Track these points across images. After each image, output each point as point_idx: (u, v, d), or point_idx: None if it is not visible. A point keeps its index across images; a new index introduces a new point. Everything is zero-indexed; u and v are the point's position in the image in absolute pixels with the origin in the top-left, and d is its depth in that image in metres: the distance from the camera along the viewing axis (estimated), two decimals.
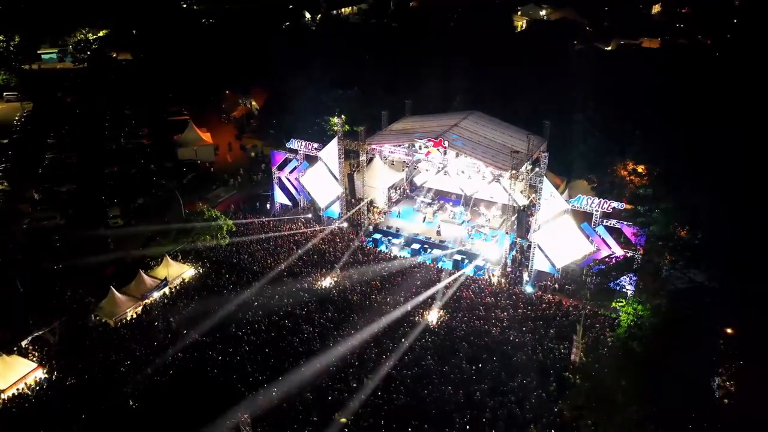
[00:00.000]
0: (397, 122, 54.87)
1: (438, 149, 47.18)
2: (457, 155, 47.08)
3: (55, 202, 58.43)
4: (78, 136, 73.51)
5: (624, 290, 41.45)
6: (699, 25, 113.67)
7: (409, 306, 40.99)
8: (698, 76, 64.06)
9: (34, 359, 37.36)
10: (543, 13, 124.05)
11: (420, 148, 48.22)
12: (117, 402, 33.84)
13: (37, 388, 35.37)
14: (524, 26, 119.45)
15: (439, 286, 42.85)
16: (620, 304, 37.61)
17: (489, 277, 45.46)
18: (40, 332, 38.74)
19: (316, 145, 52.62)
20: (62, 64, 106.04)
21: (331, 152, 51.06)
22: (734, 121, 49.60)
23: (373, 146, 50.92)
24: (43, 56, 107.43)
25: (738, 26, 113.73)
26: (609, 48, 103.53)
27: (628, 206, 43.92)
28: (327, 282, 44.21)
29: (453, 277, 44.06)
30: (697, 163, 44.47)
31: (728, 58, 76.22)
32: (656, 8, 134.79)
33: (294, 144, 53.34)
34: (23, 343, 38.36)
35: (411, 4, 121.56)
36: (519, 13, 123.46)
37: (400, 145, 49.79)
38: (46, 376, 36.22)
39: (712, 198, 39.44)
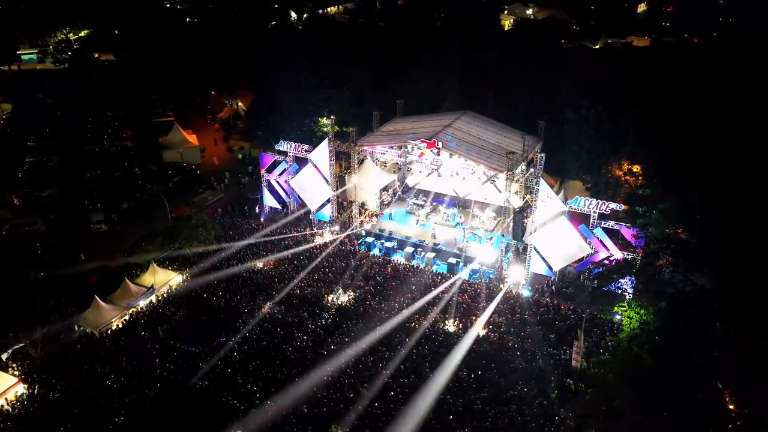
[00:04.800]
0: (388, 123, 53.79)
1: (431, 150, 46.21)
2: (451, 156, 46.18)
3: (36, 208, 56.60)
4: (59, 139, 71.67)
5: (623, 293, 40.66)
6: (684, 23, 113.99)
7: (404, 312, 39.92)
8: (688, 75, 63.86)
9: (15, 373, 35.76)
10: (529, 12, 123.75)
11: (412, 149, 47.26)
12: (103, 417, 32.45)
13: (19, 403, 33.80)
14: (512, 25, 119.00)
15: (435, 291, 41.88)
16: (622, 308, 36.85)
17: (485, 280, 44.55)
18: (21, 345, 37.14)
19: (305, 146, 51.36)
20: (42, 65, 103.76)
21: (321, 154, 49.86)
22: (727, 119, 49.28)
23: (365, 147, 49.84)
24: (22, 57, 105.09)
25: (723, 25, 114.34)
26: (597, 46, 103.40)
27: (625, 207, 43.27)
28: (319, 288, 43.01)
29: (449, 282, 43.10)
30: (692, 163, 44.02)
31: (716, 56, 76.15)
32: (642, 7, 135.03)
33: (283, 146, 52.00)
34: (3, 357, 36.80)
35: (398, 2, 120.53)
36: (506, 12, 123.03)
37: (392, 147, 48.77)
38: (28, 390, 34.66)
39: (708, 198, 38.95)
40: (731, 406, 30.74)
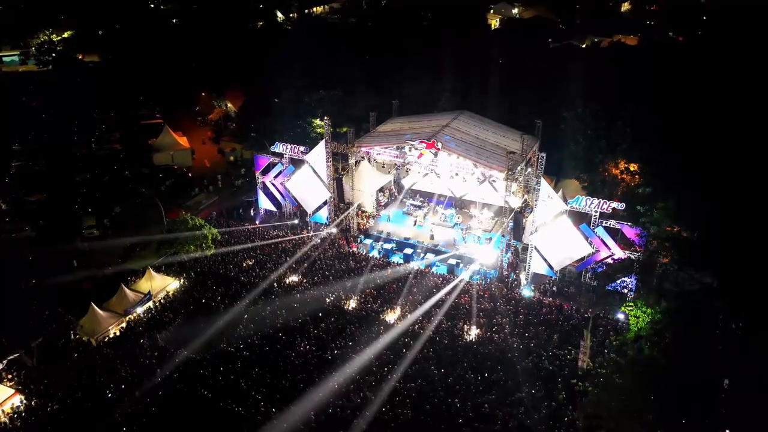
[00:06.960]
0: (385, 123, 53.34)
1: (430, 151, 45.89)
2: (449, 156, 45.88)
3: (24, 213, 55.39)
4: (45, 143, 70.07)
5: (628, 292, 40.58)
6: (669, 22, 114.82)
7: (407, 315, 39.58)
8: (680, 73, 64.15)
9: (11, 384, 34.84)
10: (515, 11, 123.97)
11: (411, 149, 46.89)
12: (103, 429, 31.60)
13: (15, 415, 32.89)
14: (498, 24, 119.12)
15: (439, 294, 41.52)
16: (629, 307, 36.76)
17: (485, 281, 44.33)
18: (16, 355, 36.18)
19: (302, 148, 50.56)
20: (25, 67, 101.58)
21: (318, 155, 49.21)
22: (724, 117, 49.53)
23: (363, 148, 49.35)
24: (3, 59, 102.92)
25: (707, 24, 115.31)
26: (583, 45, 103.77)
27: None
28: (319, 291, 42.45)
29: (452, 284, 42.75)
30: (688, 161, 44.15)
31: (703, 55, 76.69)
32: (626, 6, 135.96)
33: (279, 147, 51.19)
34: None
35: (383, 1, 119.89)
36: (491, 11, 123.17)
37: (390, 147, 48.34)
38: (25, 402, 33.75)
39: (709, 196, 39.05)
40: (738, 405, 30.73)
